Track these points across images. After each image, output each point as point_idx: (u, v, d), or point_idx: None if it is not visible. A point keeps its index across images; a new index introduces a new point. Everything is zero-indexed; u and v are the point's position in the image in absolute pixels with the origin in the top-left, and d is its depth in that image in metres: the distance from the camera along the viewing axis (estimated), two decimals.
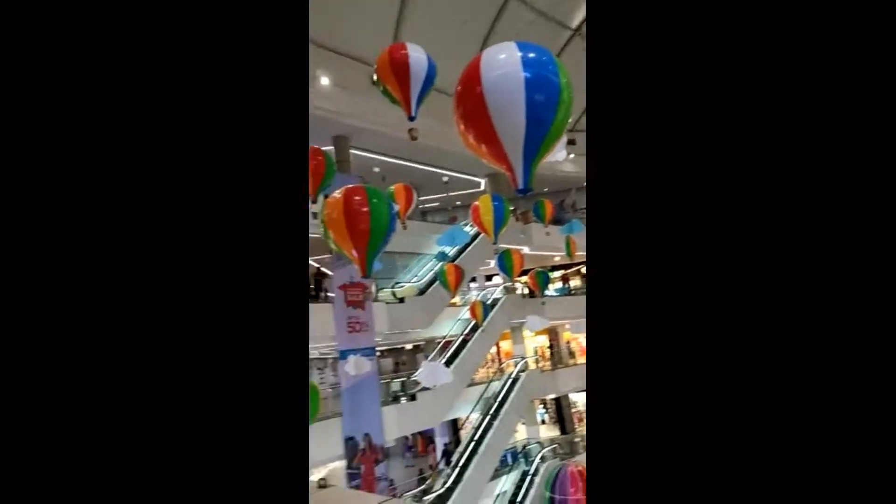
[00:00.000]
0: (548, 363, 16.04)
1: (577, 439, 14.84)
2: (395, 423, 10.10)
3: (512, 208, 12.92)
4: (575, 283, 19.04)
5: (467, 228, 12.97)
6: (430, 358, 11.28)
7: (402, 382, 11.46)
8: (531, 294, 14.57)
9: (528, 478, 12.55)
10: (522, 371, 14.12)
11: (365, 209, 4.59)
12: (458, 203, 17.63)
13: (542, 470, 12.45)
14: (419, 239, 12.19)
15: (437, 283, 11.29)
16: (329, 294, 10.38)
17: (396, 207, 7.65)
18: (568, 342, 17.82)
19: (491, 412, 12.62)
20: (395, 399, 10.83)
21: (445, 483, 10.59)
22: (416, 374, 10.34)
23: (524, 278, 14.97)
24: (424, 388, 10.97)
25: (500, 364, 16.01)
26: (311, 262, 11.78)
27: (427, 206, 17.73)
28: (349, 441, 8.89)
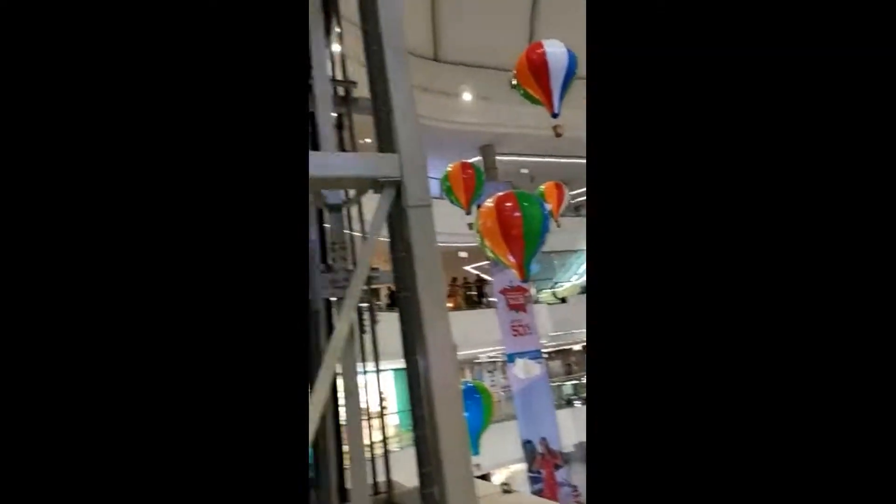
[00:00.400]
0: None
1: None
2: (572, 427, 9.79)
3: None
4: None
5: None
6: None
7: (575, 385, 11.07)
8: None
9: None
10: None
11: (517, 214, 4.59)
12: None
13: None
14: (574, 235, 11.72)
15: None
16: (491, 299, 10.67)
17: (549, 207, 7.50)
18: None
19: None
20: (569, 403, 10.51)
21: None
22: None
23: None
24: None
25: None
26: (470, 269, 12.30)
27: (579, 199, 17.00)
28: (527, 444, 8.91)
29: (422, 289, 1.47)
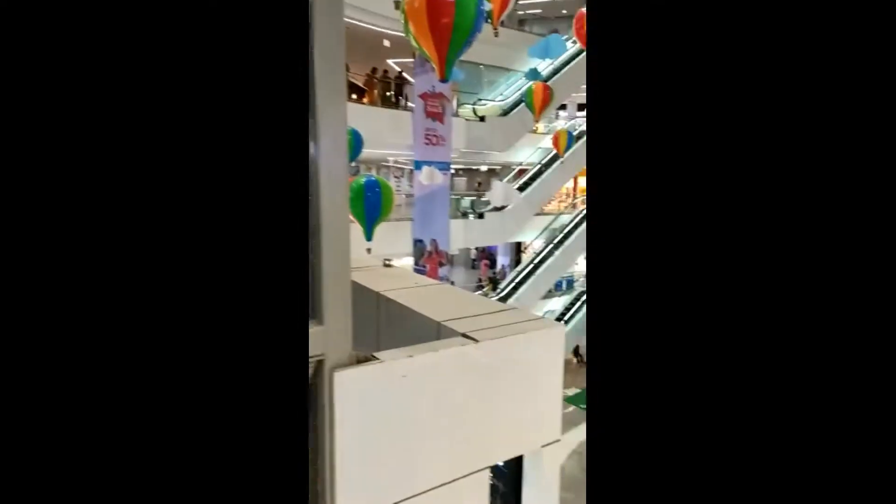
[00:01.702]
0: None
1: None
2: (461, 236, 10.85)
3: None
4: None
5: (568, 44, 11.41)
6: (504, 181, 11.34)
7: (472, 201, 11.86)
8: None
9: (578, 303, 13.55)
10: None
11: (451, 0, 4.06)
12: (564, 12, 15.15)
13: None
14: (511, 51, 11.02)
15: (522, 106, 10.56)
16: (409, 103, 10.19)
17: (489, 6, 6.72)
18: None
19: (555, 242, 13.05)
20: (464, 215, 11.40)
21: (501, 292, 11.77)
22: (488, 193, 10.58)
23: None
24: (493, 209, 11.35)
25: (574, 199, 15.84)
26: (392, 64, 11.29)
27: (526, 12, 15.48)
28: (418, 243, 9.81)
29: (319, 73, 1.40)
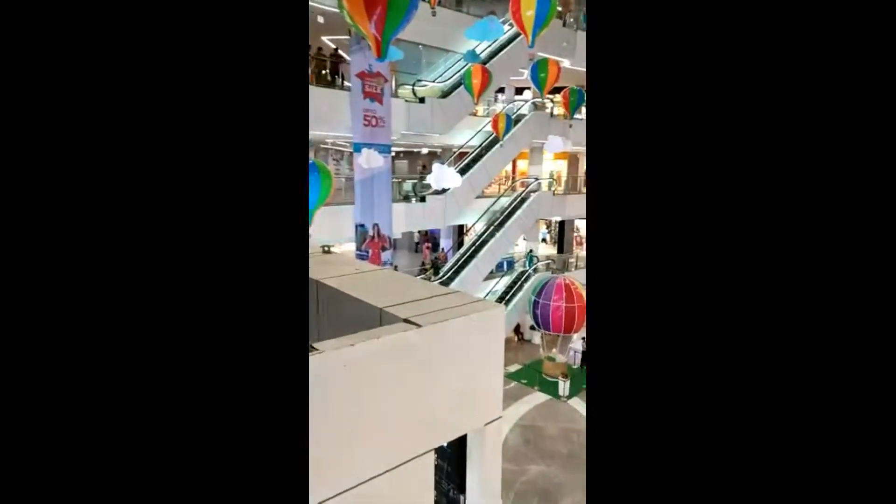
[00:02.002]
0: (560, 188, 16.17)
1: (571, 259, 15.99)
2: (404, 219, 10.76)
3: (559, 9, 11.18)
4: None
5: (505, 27, 11.46)
6: (444, 164, 11.32)
7: (414, 184, 11.77)
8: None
9: (519, 283, 13.97)
10: (534, 191, 14.34)
11: None
12: None
13: (532, 278, 13.78)
14: (448, 30, 10.89)
15: (461, 88, 10.53)
16: (346, 83, 9.83)
17: None
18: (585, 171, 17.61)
19: (496, 224, 13.30)
20: (406, 198, 11.29)
21: (443, 275, 11.86)
22: (428, 176, 10.52)
23: (557, 97, 13.92)
24: (435, 193, 11.33)
25: (514, 182, 16.17)
26: (327, 41, 10.80)
27: None
28: (360, 227, 9.61)
29: None
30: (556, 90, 12.46)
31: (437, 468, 2.42)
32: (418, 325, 1.95)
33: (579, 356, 12.84)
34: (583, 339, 13.16)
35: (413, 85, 12.03)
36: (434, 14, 9.20)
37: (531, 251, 15.12)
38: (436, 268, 12.05)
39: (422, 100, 11.12)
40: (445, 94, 11.60)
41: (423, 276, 11.57)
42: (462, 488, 2.40)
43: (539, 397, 11.29)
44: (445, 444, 2.32)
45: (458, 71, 11.83)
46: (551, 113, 14.44)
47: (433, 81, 12.48)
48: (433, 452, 2.04)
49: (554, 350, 12.42)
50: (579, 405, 10.95)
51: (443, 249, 14.00)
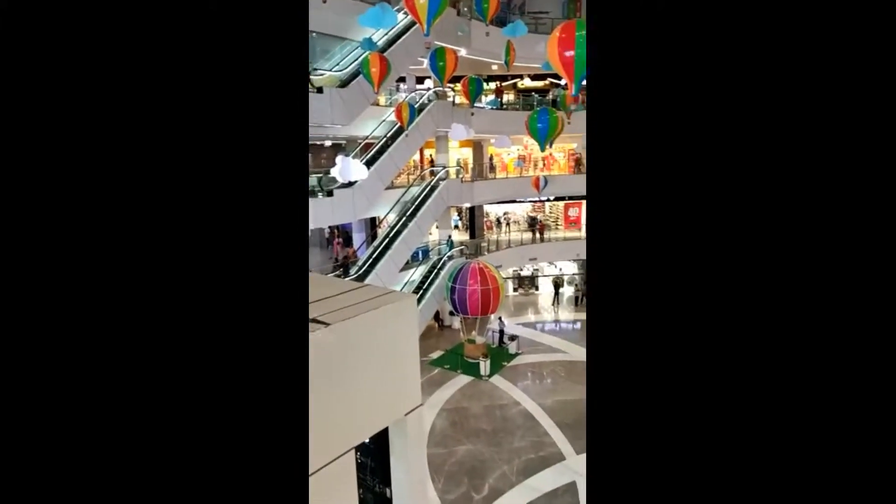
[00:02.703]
0: (468, 175, 16.56)
1: (483, 244, 16.52)
2: (312, 215, 10.32)
3: None
4: (509, 97, 18.46)
5: (400, 16, 11.36)
6: (350, 156, 11.02)
7: (319, 178, 11.32)
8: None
9: (435, 270, 14.16)
10: (443, 179, 14.53)
11: None
12: None
13: (448, 265, 14.03)
14: (342, 19, 10.54)
15: (361, 77, 10.28)
16: None
17: None
18: (490, 157, 18.20)
19: (408, 214, 13.28)
20: (312, 194, 10.83)
21: (358, 270, 11.63)
22: (333, 169, 10.18)
23: (457, 86, 14.16)
24: (342, 186, 11.00)
25: (422, 171, 16.23)
26: None
27: None
28: None
29: None
30: (456, 79, 12.67)
31: (361, 466, 2.38)
32: (326, 324, 1.89)
33: (497, 336, 13.39)
34: (500, 318, 13.73)
35: (309, 73, 11.49)
36: (325, 1, 8.84)
37: (450, 237, 15.37)
38: (345, 268, 11.76)
39: (319, 89, 10.67)
40: (344, 84, 11.24)
41: (334, 273, 11.24)
42: (387, 481, 2.39)
43: (462, 380, 11.62)
44: (367, 440, 2.29)
45: (356, 59, 11.51)
46: (453, 102, 14.67)
47: (330, 70, 12.02)
48: (353, 451, 2.00)
49: (473, 332, 12.82)
50: (500, 382, 11.47)
51: (353, 248, 13.70)
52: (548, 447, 8.86)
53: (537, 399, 10.53)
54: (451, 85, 14.34)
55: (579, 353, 12.65)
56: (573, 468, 8.22)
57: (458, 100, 14.70)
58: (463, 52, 13.37)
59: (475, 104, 13.62)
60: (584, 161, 17.99)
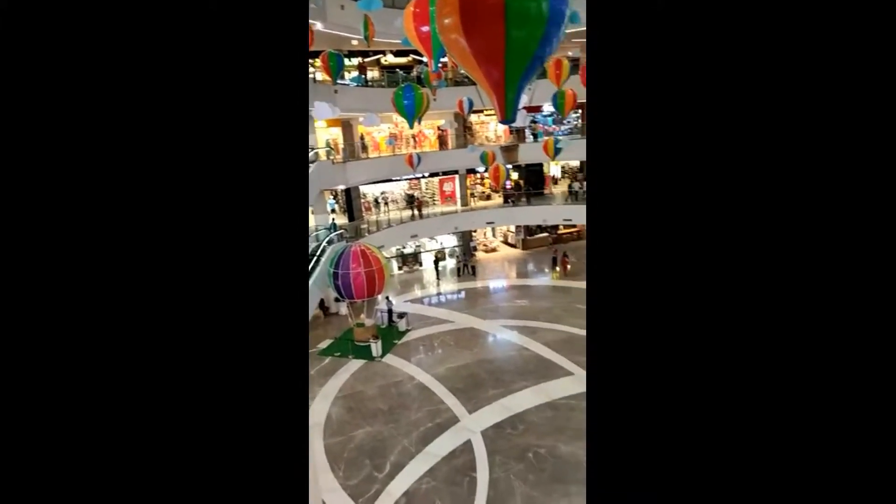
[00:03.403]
0: (339, 156, 15.99)
1: (363, 226, 16.25)
2: None
3: None
4: (373, 73, 18.06)
5: None
6: None
7: None
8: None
9: (315, 258, 13.59)
10: (313, 162, 13.83)
11: None
12: None
13: (328, 251, 13.55)
14: None
15: None
16: None
17: None
18: (362, 136, 17.78)
19: None
20: None
21: None
22: None
23: (316, 61, 13.42)
24: None
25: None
26: None
27: None
28: None
29: None
30: (314, 54, 11.97)
31: None
32: None
33: (386, 315, 13.44)
34: (387, 298, 13.76)
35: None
36: None
37: (333, 220, 14.77)
38: None
39: None
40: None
41: None
42: None
43: (355, 364, 11.51)
44: None
45: None
46: (314, 78, 13.91)
47: None
48: None
49: (362, 316, 12.68)
50: (393, 360, 11.61)
51: None
52: (443, 413, 9.28)
53: (430, 370, 10.91)
54: (311, 60, 13.54)
55: (465, 320, 13.33)
56: (468, 427, 8.76)
57: (319, 76, 13.96)
58: (319, 25, 12.67)
59: (338, 81, 13.07)
60: (448, 140, 18.56)
